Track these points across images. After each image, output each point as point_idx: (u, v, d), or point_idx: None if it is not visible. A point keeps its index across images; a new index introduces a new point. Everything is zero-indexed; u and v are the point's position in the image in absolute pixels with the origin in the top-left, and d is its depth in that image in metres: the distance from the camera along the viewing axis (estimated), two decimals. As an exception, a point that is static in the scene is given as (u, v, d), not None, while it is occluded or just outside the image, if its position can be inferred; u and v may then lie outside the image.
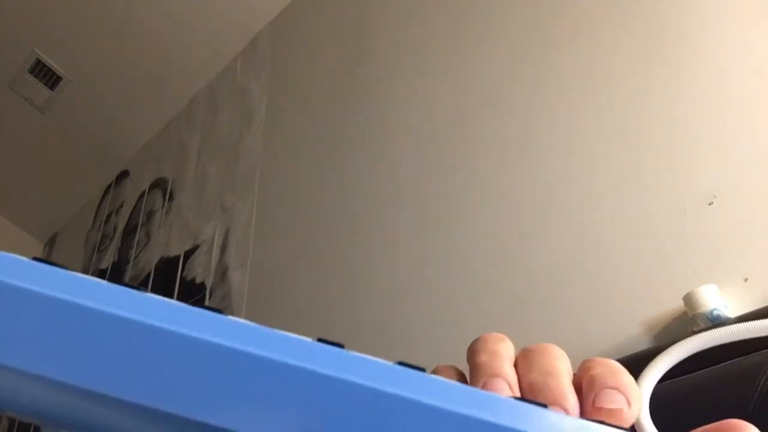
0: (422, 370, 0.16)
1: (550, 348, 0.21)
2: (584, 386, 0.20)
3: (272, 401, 0.14)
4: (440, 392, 0.15)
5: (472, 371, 0.21)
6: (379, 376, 0.15)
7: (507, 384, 0.20)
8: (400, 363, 0.16)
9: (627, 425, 0.19)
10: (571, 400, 0.20)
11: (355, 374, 0.15)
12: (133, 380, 0.14)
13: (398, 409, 0.15)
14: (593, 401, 0.19)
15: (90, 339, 0.14)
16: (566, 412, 0.19)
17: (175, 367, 0.14)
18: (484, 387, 0.20)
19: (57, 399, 0.15)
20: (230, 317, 0.15)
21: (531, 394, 0.20)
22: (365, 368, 0.15)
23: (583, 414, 0.19)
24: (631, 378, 0.20)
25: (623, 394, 0.19)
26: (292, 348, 0.15)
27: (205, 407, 0.14)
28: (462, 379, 0.22)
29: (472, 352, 0.22)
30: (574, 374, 0.21)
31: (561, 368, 0.21)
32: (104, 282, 0.15)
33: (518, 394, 0.20)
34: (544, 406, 0.16)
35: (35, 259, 0.15)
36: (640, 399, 0.20)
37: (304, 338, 0.16)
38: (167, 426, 0.15)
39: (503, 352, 0.21)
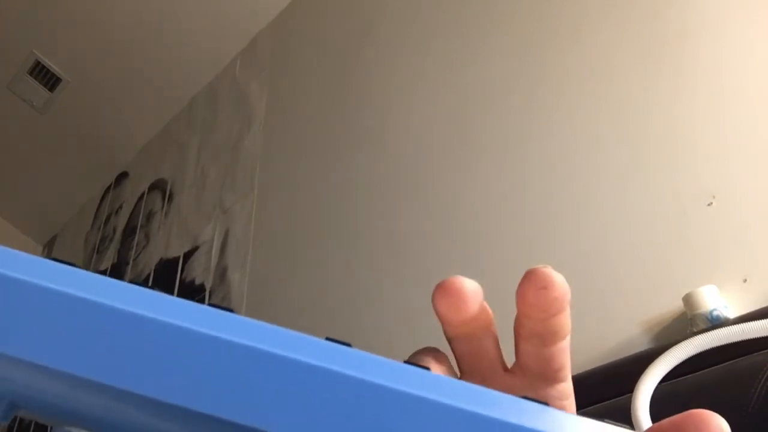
0: (427, 369, 0.16)
1: None
2: None
3: (284, 397, 0.15)
4: (446, 389, 0.16)
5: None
6: (388, 374, 0.16)
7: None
8: (407, 362, 0.17)
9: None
10: None
11: (363, 372, 0.15)
12: (152, 376, 0.15)
13: (406, 405, 0.15)
14: None
15: (112, 337, 0.15)
16: None
17: (189, 363, 0.15)
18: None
19: (82, 396, 0.16)
20: (242, 316, 0.16)
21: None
22: (374, 366, 0.16)
23: None
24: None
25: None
26: (303, 345, 0.16)
27: (217, 402, 0.15)
28: (443, 357, 0.23)
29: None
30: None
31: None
32: (123, 282, 0.16)
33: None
34: (546, 404, 0.16)
35: (52, 258, 0.16)
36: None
37: (314, 337, 0.16)
38: (181, 421, 0.16)
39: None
